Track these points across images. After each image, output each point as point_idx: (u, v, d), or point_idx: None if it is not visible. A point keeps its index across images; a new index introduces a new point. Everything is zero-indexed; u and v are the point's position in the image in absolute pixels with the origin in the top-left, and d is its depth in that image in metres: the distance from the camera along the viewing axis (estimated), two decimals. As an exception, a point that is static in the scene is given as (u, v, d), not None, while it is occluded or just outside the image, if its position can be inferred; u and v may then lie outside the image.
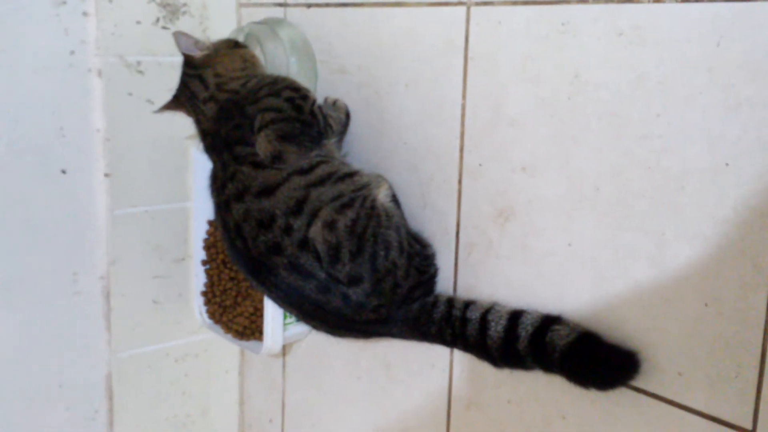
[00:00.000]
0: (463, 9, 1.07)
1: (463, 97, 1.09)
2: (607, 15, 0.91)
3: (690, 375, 0.87)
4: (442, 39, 1.10)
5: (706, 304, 0.85)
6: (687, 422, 0.88)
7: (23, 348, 1.36)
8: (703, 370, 0.86)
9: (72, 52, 1.34)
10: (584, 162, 0.95)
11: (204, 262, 1.47)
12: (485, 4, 1.04)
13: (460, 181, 1.11)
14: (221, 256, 1.43)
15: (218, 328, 1.45)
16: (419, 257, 1.10)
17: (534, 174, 1.01)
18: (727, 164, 0.82)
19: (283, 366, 1.51)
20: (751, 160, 0.80)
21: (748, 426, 0.83)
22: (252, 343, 1.38)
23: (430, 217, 1.15)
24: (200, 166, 1.35)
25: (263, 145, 1.11)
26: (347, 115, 1.25)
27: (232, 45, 1.26)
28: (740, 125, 0.81)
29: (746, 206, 0.81)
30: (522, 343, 0.96)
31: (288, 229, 1.06)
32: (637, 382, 0.91)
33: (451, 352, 1.15)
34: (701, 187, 0.84)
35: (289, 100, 1.16)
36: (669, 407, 0.89)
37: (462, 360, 1.13)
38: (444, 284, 1.14)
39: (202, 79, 1.21)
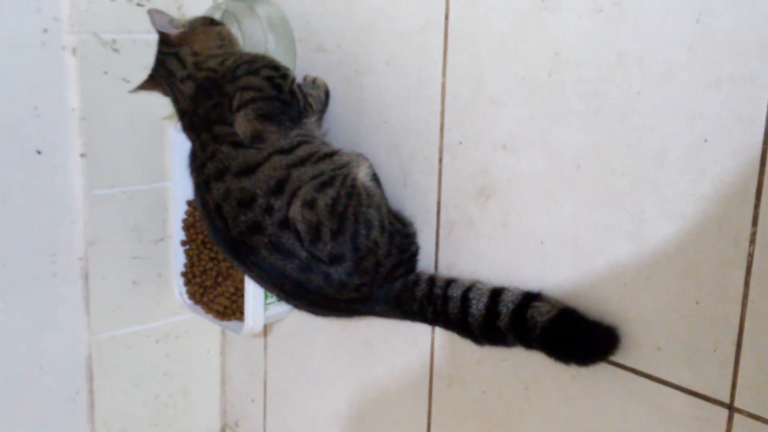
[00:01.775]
0: (443, -14, 1.06)
1: (443, 75, 1.08)
2: (588, -9, 0.90)
3: (669, 350, 0.88)
4: (422, 16, 1.09)
5: (685, 280, 0.86)
6: (666, 396, 0.89)
7: (2, 331, 1.35)
8: (682, 344, 0.87)
9: (45, 30, 1.32)
10: (565, 140, 0.95)
11: (183, 243, 1.46)
12: (465, -20, 1.03)
13: (440, 160, 1.11)
14: (201, 237, 1.42)
15: (198, 308, 1.44)
16: (400, 236, 1.10)
17: (515, 152, 1.01)
18: (705, 141, 0.83)
19: (265, 346, 1.51)
20: (729, 136, 0.81)
21: (726, 399, 0.84)
22: (233, 323, 1.38)
23: (411, 195, 1.15)
24: (178, 145, 1.34)
25: (243, 125, 1.10)
26: (327, 94, 1.24)
27: (208, 22, 1.24)
28: (720, 102, 0.81)
29: (724, 182, 0.82)
30: (503, 320, 0.97)
31: (269, 209, 1.05)
32: (617, 357, 0.92)
33: (433, 330, 1.16)
34: (681, 164, 0.85)
35: (268, 78, 1.14)
36: (648, 381, 0.91)
37: (443, 338, 1.14)
38: (425, 262, 1.14)
39: (178, 58, 1.19)
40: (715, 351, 0.84)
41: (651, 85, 0.86)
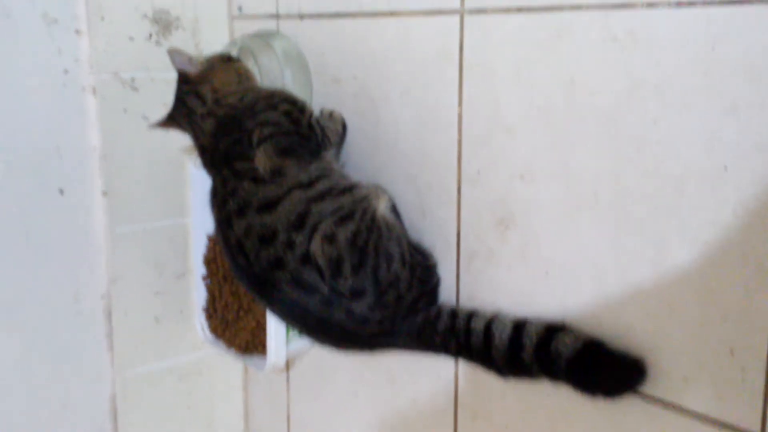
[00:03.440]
0: (456, 17, 1.07)
1: (459, 104, 1.09)
2: (601, 20, 0.90)
3: (696, 379, 0.87)
4: (437, 47, 1.10)
5: (709, 308, 0.85)
6: (694, 427, 0.88)
7: (27, 370, 1.35)
8: (709, 374, 0.86)
9: (66, 71, 1.34)
10: (582, 168, 0.95)
11: (204, 277, 1.46)
12: (479, 12, 1.04)
13: (459, 190, 1.11)
14: (222, 271, 1.43)
15: (220, 343, 1.44)
16: (421, 268, 1.10)
17: (533, 181, 1.01)
18: (725, 168, 0.82)
19: (287, 380, 1.51)
20: (749, 163, 0.80)
21: (756, 429, 0.83)
22: (255, 359, 1.38)
23: (430, 226, 1.15)
24: (197, 181, 1.35)
25: (262, 160, 1.11)
26: (344, 126, 1.25)
27: (226, 59, 1.26)
28: (738, 128, 0.81)
29: (747, 210, 0.81)
30: (527, 353, 0.96)
31: (290, 244, 1.05)
32: (644, 388, 0.91)
33: (456, 363, 1.15)
34: (700, 191, 0.84)
35: (287, 113, 1.15)
36: (676, 412, 0.89)
37: (467, 370, 1.13)
38: (446, 294, 1.14)
39: (199, 95, 1.20)
40: (743, 381, 0.83)
41: (668, 112, 0.86)
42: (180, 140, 1.30)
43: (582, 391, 0.92)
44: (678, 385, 0.88)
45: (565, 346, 0.93)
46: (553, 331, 0.95)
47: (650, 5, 0.86)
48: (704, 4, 0.81)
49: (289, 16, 1.34)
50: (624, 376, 0.90)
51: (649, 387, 0.91)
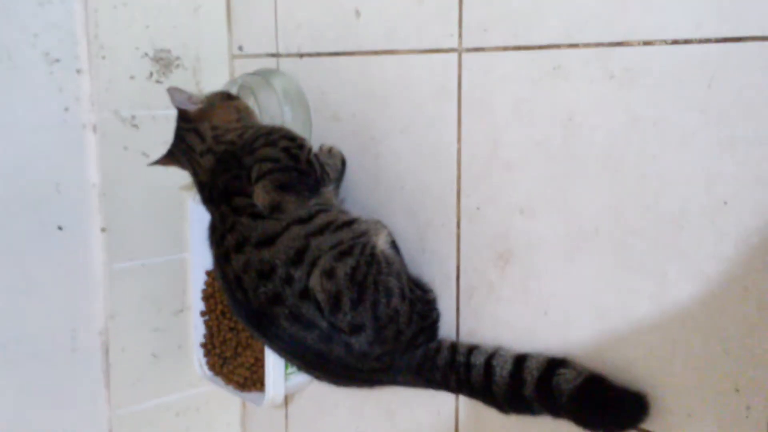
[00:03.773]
0: (454, 55, 1.08)
1: (458, 141, 1.10)
2: (598, 58, 0.92)
3: (700, 416, 0.86)
4: (435, 85, 1.11)
5: (711, 343, 0.85)
6: (699, 463, 0.87)
7: (23, 406, 1.34)
8: (713, 411, 0.85)
9: (66, 109, 1.35)
10: (582, 203, 0.95)
11: (203, 313, 1.46)
12: (477, 50, 1.05)
13: (458, 225, 1.11)
14: (220, 307, 1.42)
15: (218, 380, 1.43)
16: (421, 303, 1.10)
17: (532, 216, 1.01)
18: (725, 202, 0.83)
19: (286, 416, 1.49)
20: (749, 197, 0.81)
21: (761, 466, 0.82)
22: (253, 395, 1.37)
23: (430, 261, 1.15)
24: (196, 216, 1.35)
25: (261, 196, 1.11)
26: (343, 162, 1.26)
27: (226, 97, 1.27)
28: (736, 163, 0.81)
29: (747, 244, 0.81)
30: (528, 388, 0.95)
31: (289, 279, 1.05)
32: (647, 424, 0.90)
33: (457, 399, 1.14)
34: (701, 226, 0.85)
35: (286, 149, 1.16)
36: (680, 449, 0.89)
37: (468, 406, 1.12)
38: (446, 329, 1.13)
39: (198, 133, 1.21)
40: (747, 417, 0.82)
41: (666, 148, 0.87)
42: (179, 177, 1.30)
43: (584, 427, 0.91)
44: (681, 422, 0.88)
45: (566, 381, 0.92)
46: (554, 366, 0.95)
47: (646, 43, 0.87)
48: (699, 41, 0.83)
49: (288, 55, 1.35)
50: (626, 411, 0.90)
51: (651, 423, 0.90)
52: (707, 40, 0.82)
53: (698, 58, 0.83)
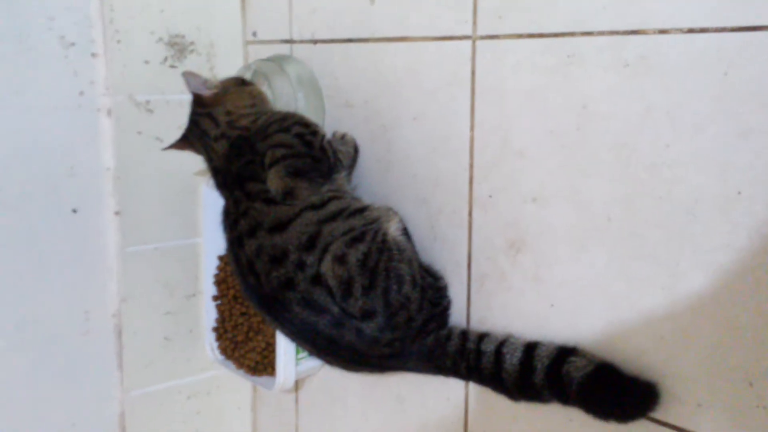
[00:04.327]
0: (468, 43, 1.08)
1: (471, 129, 1.09)
2: (613, 46, 0.91)
3: (710, 406, 0.86)
4: (449, 72, 1.11)
5: (723, 333, 0.85)
6: (708, 453, 0.87)
7: (36, 387, 1.36)
8: (724, 400, 0.85)
9: (81, 93, 1.35)
10: (595, 192, 0.95)
11: (215, 298, 1.47)
12: (491, 37, 1.05)
13: (470, 213, 1.11)
14: (232, 292, 1.43)
15: (230, 363, 1.44)
16: (432, 290, 1.10)
17: (544, 205, 1.01)
18: (739, 192, 0.82)
19: (296, 401, 1.50)
20: (763, 187, 0.80)
21: (771, 456, 0.82)
22: (264, 379, 1.38)
23: (441, 249, 1.15)
24: (210, 201, 1.36)
25: (274, 181, 1.12)
26: (356, 149, 1.26)
27: (240, 83, 1.27)
28: (751, 153, 0.81)
29: (761, 234, 0.81)
30: (538, 376, 0.95)
31: (301, 265, 1.06)
32: (657, 413, 0.90)
33: (466, 385, 1.15)
34: (714, 215, 0.84)
35: (299, 135, 1.16)
36: (689, 438, 0.89)
37: (477, 393, 1.13)
38: (457, 316, 1.14)
39: (212, 118, 1.22)
40: (758, 406, 0.82)
41: (680, 137, 0.86)
42: (193, 162, 1.31)
43: (594, 415, 0.92)
44: (692, 411, 0.88)
45: (576, 369, 0.92)
46: (564, 354, 0.95)
47: (662, 31, 0.87)
48: (716, 30, 0.82)
49: (302, 41, 1.36)
50: (636, 400, 0.90)
51: (663, 412, 0.90)
52: (723, 29, 0.82)
53: (714, 46, 0.83)
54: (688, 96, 0.85)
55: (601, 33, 0.93)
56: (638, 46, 0.89)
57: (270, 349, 1.37)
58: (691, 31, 0.85)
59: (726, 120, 0.82)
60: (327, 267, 1.05)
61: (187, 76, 1.23)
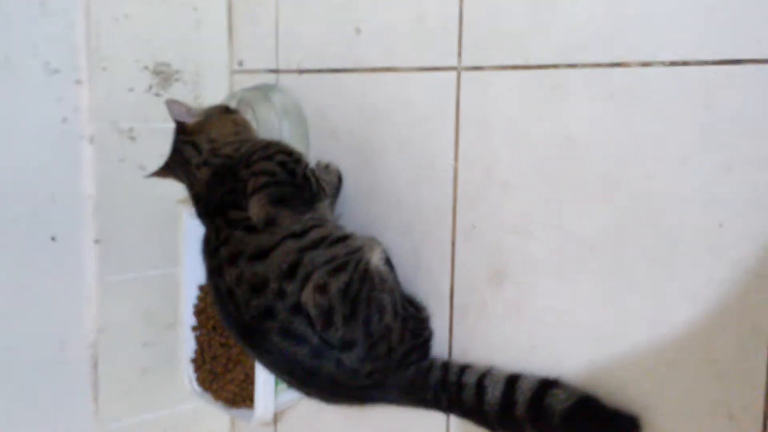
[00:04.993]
0: (453, 74, 1.08)
1: (456, 159, 1.09)
2: (597, 78, 0.92)
3: (693, 439, 0.85)
4: (433, 103, 1.11)
5: (706, 367, 0.84)
6: (692, 489, 0.86)
7: (9, 419, 1.32)
8: (706, 434, 0.84)
9: (64, 119, 1.34)
10: (578, 223, 0.95)
11: (194, 328, 1.44)
12: (475, 69, 1.06)
13: (453, 243, 1.10)
14: (211, 322, 1.41)
15: (208, 395, 1.41)
16: (414, 320, 1.09)
17: (528, 235, 1.01)
18: (720, 225, 0.82)
19: (275, 435, 1.47)
20: (745, 220, 0.80)
21: (755, 492, 0.81)
22: (242, 411, 1.35)
23: (424, 279, 1.15)
24: (191, 230, 1.34)
25: (256, 209, 1.11)
26: (339, 179, 1.26)
27: (224, 110, 1.27)
28: (733, 186, 0.81)
29: (742, 267, 0.81)
30: (520, 409, 0.94)
31: (281, 294, 1.04)
32: (639, 447, 0.89)
33: (448, 418, 1.13)
34: (697, 248, 0.84)
35: (282, 164, 1.16)
36: (673, 473, 0.87)
37: (459, 426, 1.11)
38: (439, 347, 1.12)
39: (195, 145, 1.21)
40: (741, 441, 0.81)
41: (664, 168, 0.87)
42: (176, 190, 1.30)
43: (576, 449, 0.90)
44: (674, 445, 0.87)
45: (558, 401, 0.91)
46: (546, 386, 0.94)
47: (645, 64, 0.88)
48: (698, 63, 0.83)
49: (288, 71, 1.36)
50: (619, 434, 0.89)
51: (644, 446, 0.89)
52: (705, 62, 0.83)
53: (697, 79, 0.83)
54: (672, 128, 0.86)
55: (585, 65, 0.93)
56: (622, 79, 0.90)
57: (249, 380, 1.35)
58: (673, 63, 0.85)
59: (709, 152, 0.83)
60: (308, 296, 1.04)
61: (170, 103, 1.22)
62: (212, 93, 1.48)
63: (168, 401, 1.49)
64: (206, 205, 1.18)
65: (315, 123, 1.32)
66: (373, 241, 1.14)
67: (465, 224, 1.08)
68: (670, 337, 0.87)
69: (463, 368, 1.02)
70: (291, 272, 1.05)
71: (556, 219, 0.97)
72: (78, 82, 1.35)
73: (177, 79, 1.45)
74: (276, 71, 1.39)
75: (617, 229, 0.91)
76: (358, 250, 1.10)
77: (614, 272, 0.92)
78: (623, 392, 0.91)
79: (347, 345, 1.03)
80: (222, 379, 1.39)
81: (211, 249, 1.14)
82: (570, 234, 0.96)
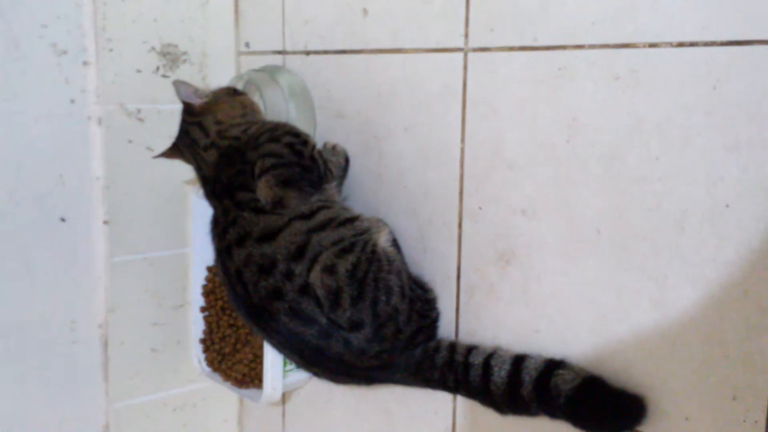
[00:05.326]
0: (460, 55, 1.08)
1: (462, 140, 1.09)
2: (603, 59, 0.92)
3: (697, 419, 0.86)
4: (440, 84, 1.11)
5: (711, 347, 0.85)
6: (696, 468, 0.87)
7: (21, 397, 1.34)
8: (711, 414, 0.85)
9: (72, 101, 1.35)
10: (584, 205, 0.95)
11: (203, 309, 1.46)
12: (482, 50, 1.05)
13: (460, 225, 1.11)
14: (220, 303, 1.42)
15: (217, 376, 1.43)
16: (421, 302, 1.10)
17: (534, 217, 1.01)
18: (727, 206, 0.82)
19: (283, 414, 1.49)
20: (751, 201, 0.80)
21: (758, 471, 0.82)
22: (251, 391, 1.37)
23: (431, 260, 1.15)
24: (199, 211, 1.35)
25: (264, 191, 1.11)
26: (346, 160, 1.26)
27: (231, 92, 1.27)
28: (739, 167, 0.81)
29: (748, 248, 0.81)
30: (526, 389, 0.95)
31: (289, 274, 1.05)
32: (644, 427, 0.90)
33: (454, 399, 1.14)
34: (702, 229, 0.84)
35: (289, 145, 1.16)
36: (677, 452, 0.88)
37: (465, 406, 1.12)
38: (446, 329, 1.13)
39: (202, 127, 1.21)
40: (744, 421, 0.82)
41: (670, 150, 0.86)
42: (183, 171, 1.30)
43: (581, 429, 0.91)
44: (679, 425, 0.88)
45: (564, 382, 0.92)
46: (552, 366, 0.94)
47: (652, 45, 0.87)
48: (705, 44, 0.83)
49: (295, 52, 1.36)
50: (623, 413, 0.90)
51: (649, 426, 0.90)
52: (713, 43, 0.82)
53: (704, 60, 0.83)
54: (678, 109, 0.86)
55: (592, 46, 0.93)
56: (628, 60, 0.89)
57: (257, 361, 1.36)
58: (680, 45, 0.85)
59: (715, 133, 0.83)
60: (315, 277, 1.05)
61: (178, 84, 1.23)
62: (219, 74, 1.48)
63: (177, 381, 1.51)
64: (214, 187, 1.19)
65: (322, 104, 1.32)
66: (380, 223, 1.14)
67: (471, 205, 1.09)
68: (676, 319, 0.87)
69: (470, 349, 1.03)
70: (299, 253, 1.06)
71: (562, 200, 0.97)
72: (85, 63, 1.36)
73: (184, 61, 1.45)
74: (283, 53, 1.38)
75: (623, 211, 0.91)
76: (366, 231, 1.10)
77: (620, 253, 0.92)
78: (628, 373, 0.92)
79: (355, 325, 1.04)
80: (231, 359, 1.40)
81: (219, 230, 1.15)
82: (576, 215, 0.96)
